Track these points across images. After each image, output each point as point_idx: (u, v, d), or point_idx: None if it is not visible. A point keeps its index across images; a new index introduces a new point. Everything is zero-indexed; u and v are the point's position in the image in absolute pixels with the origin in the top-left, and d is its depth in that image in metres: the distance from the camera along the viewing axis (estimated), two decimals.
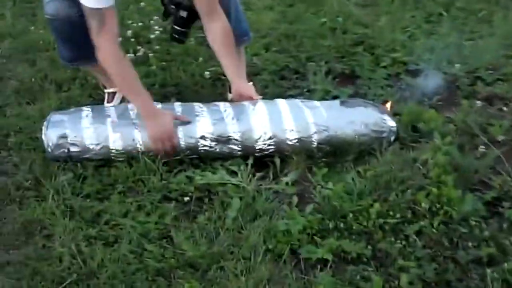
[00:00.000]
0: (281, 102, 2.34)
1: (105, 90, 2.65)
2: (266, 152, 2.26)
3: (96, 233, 1.97)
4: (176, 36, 2.54)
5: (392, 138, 2.32)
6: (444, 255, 1.86)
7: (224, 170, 2.24)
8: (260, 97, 2.44)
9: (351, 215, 2.01)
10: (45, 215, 2.04)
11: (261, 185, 2.20)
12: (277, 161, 2.27)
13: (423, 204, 2.01)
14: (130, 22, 3.37)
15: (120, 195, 2.14)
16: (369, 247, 1.89)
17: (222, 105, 2.35)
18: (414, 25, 3.38)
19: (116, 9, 2.22)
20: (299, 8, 3.59)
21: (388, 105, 2.46)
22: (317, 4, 3.64)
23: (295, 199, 2.11)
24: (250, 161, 2.25)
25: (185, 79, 2.88)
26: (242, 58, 2.67)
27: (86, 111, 2.30)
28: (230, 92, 2.52)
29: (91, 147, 2.22)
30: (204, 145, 2.25)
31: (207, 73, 2.82)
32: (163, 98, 2.69)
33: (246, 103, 2.35)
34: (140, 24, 3.29)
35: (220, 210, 2.06)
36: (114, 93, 2.63)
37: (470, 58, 2.98)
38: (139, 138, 2.24)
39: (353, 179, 2.16)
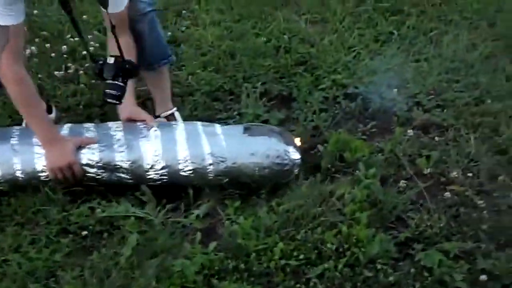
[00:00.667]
0: (179, 128, 2.22)
1: None
2: (159, 182, 2.15)
3: None
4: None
5: (296, 171, 2.19)
6: None
7: (132, 200, 2.13)
8: (156, 121, 2.33)
9: (254, 254, 1.90)
10: None
11: (169, 217, 2.09)
12: (191, 191, 2.16)
13: (329, 245, 1.91)
14: (68, 36, 3.26)
15: (16, 227, 2.03)
16: None
17: (114, 127, 2.23)
18: (361, 44, 3.27)
19: (24, 26, 2.11)
20: (246, 24, 3.47)
21: (297, 141, 2.31)
22: (265, 20, 3.53)
23: (199, 235, 2.00)
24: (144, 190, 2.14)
25: None
26: (165, 81, 2.56)
27: None
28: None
29: None
30: (91, 173, 2.13)
31: None
32: (87, 119, 2.58)
33: (141, 127, 2.22)
34: (77, 39, 3.18)
35: (118, 246, 1.95)
36: None
37: (412, 82, 2.88)
38: (19, 165, 2.11)
39: (263, 214, 2.05)
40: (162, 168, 2.12)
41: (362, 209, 2.04)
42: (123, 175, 2.13)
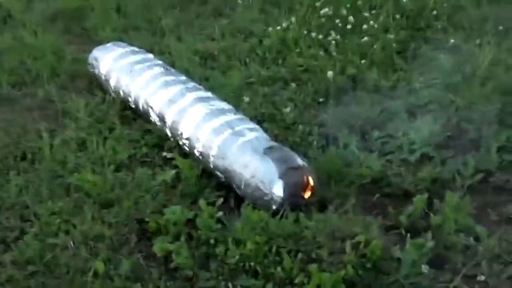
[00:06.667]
0: (224, 116, 2.37)
1: None
2: (183, 149, 2.44)
3: None
4: None
5: (274, 207, 2.09)
6: None
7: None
8: None
9: None
10: None
11: None
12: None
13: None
14: None
15: None
16: None
17: (190, 95, 2.53)
18: None
19: None
20: None
21: (310, 182, 2.18)
22: None
23: None
24: None
25: None
26: None
27: None
28: None
29: None
30: (151, 117, 2.60)
31: None
32: None
33: (201, 105, 2.44)
34: None
35: None
36: None
37: None
38: None
39: None
40: (186, 139, 2.41)
41: None
42: (167, 131, 2.53)
